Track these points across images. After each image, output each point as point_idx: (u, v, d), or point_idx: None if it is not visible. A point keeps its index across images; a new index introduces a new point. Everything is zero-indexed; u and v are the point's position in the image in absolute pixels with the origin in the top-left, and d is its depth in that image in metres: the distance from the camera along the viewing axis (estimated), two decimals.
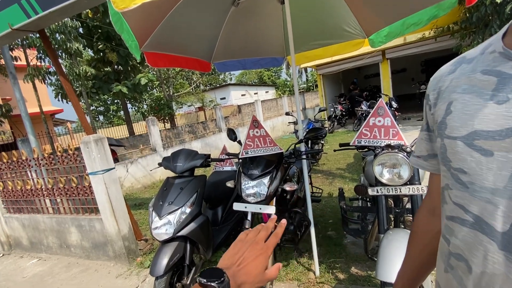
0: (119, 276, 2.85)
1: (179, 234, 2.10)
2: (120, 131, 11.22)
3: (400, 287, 0.80)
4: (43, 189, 3.40)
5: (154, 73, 14.41)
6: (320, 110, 5.69)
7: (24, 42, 7.32)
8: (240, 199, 3.18)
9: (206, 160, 2.46)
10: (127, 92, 10.48)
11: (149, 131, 6.78)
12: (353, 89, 11.88)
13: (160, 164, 2.59)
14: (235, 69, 3.13)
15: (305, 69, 34.20)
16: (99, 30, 10.05)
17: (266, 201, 1.86)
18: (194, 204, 2.21)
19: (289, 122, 5.44)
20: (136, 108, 22.25)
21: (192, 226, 2.18)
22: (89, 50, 11.01)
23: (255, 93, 27.25)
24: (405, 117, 10.02)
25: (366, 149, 1.93)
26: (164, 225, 2.11)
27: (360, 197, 3.08)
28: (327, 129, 9.20)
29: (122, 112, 22.92)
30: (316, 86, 30.85)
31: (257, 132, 1.99)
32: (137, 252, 3.13)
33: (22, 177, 3.62)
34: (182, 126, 11.07)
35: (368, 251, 2.00)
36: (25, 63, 8.14)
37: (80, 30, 9.66)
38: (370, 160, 2.00)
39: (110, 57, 10.26)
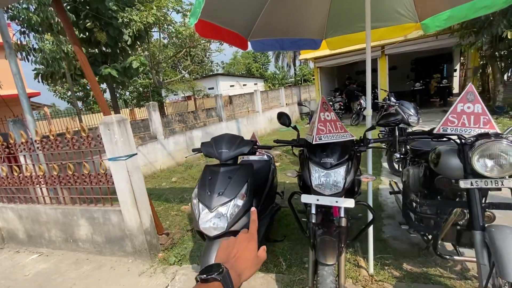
0: (142, 274, 2.56)
1: (232, 229, 1.86)
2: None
3: None
4: (46, 177, 2.99)
5: (146, 57, 13.63)
6: (336, 102, 5.54)
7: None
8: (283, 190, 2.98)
9: (253, 147, 2.22)
10: (116, 76, 9.78)
11: (149, 117, 6.34)
12: (349, 83, 11.90)
13: (196, 150, 2.31)
14: (271, 48, 2.87)
15: (294, 63, 34.18)
16: (87, 7, 9.25)
17: (342, 193, 1.66)
18: (247, 196, 1.97)
19: (301, 113, 5.20)
20: (118, 95, 21.13)
21: (244, 220, 1.94)
22: (74, 28, 10.16)
23: (244, 85, 26.81)
24: None
25: (444, 139, 1.78)
26: (214, 219, 1.87)
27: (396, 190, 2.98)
28: None
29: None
30: (304, 80, 30.99)
31: (327, 116, 1.77)
32: (158, 247, 2.84)
33: (17, 162, 3.18)
34: (173, 115, 10.56)
35: (437, 248, 1.87)
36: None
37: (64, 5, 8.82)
38: (446, 151, 1.84)
39: (99, 37, 9.48)
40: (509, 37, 6.02)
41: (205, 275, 0.51)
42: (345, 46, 2.97)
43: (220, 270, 0.52)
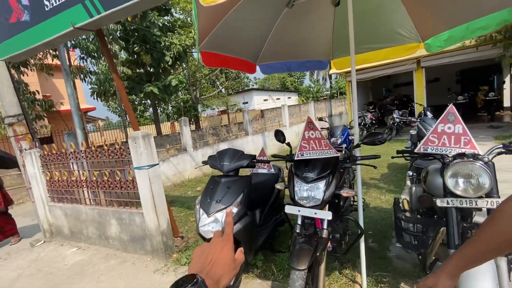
0: (157, 271, 2.88)
1: None
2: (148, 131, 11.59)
3: (454, 265, 0.76)
4: (88, 181, 3.54)
5: (184, 75, 14.80)
6: (364, 116, 5.52)
7: (69, 44, 7.81)
8: (265, 200, 3.15)
9: (252, 160, 2.45)
10: (158, 93, 10.82)
11: (181, 131, 6.93)
12: (385, 97, 11.54)
13: (205, 162, 2.60)
14: (279, 71, 3.12)
15: (329, 76, 33.84)
16: (136, 34, 10.52)
17: (321, 205, 1.79)
18: (242, 204, 2.20)
19: (321, 128, 5.30)
20: (161, 109, 22.96)
21: (238, 226, 2.16)
22: (124, 52, 11.56)
23: (277, 99, 27.25)
24: None
25: (430, 158, 1.83)
26: (211, 223, 2.11)
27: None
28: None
29: (147, 113, 23.66)
30: (340, 93, 30.40)
31: (312, 134, 1.94)
32: (174, 248, 3.15)
33: (67, 168, 3.79)
34: (207, 128, 11.24)
35: (427, 267, 1.87)
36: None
37: (117, 33, 10.19)
38: (433, 169, 1.88)
39: (144, 59, 10.66)
40: None
41: None
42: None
43: (195, 280, 0.47)
